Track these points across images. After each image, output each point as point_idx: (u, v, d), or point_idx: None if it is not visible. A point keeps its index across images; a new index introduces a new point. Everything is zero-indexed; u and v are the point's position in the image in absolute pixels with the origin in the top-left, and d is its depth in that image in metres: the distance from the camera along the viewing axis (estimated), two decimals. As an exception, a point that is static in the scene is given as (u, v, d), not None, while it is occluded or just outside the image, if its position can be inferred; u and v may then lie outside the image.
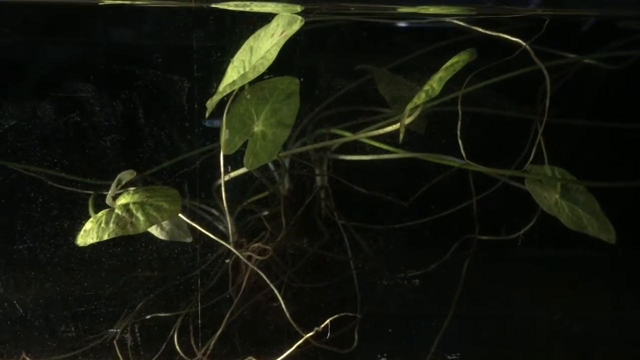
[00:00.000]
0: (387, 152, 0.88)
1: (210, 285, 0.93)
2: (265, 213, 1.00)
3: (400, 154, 0.88)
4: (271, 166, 0.99)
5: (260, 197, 0.99)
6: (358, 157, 0.93)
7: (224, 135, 0.77)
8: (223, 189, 0.82)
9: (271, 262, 0.95)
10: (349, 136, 0.91)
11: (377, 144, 0.88)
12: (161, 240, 0.89)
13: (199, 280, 0.93)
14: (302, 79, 0.81)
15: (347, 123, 0.95)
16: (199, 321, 0.90)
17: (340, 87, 1.00)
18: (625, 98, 1.02)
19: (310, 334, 0.81)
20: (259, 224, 0.99)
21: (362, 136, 0.89)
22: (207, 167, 0.91)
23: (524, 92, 0.93)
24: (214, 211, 0.98)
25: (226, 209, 0.84)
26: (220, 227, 0.99)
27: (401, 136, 0.82)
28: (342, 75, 1.01)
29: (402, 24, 0.95)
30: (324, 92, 0.99)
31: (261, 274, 0.85)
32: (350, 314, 0.86)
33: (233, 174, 0.92)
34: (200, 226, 0.88)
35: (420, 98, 0.77)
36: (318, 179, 1.02)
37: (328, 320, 0.80)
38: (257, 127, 0.78)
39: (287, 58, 0.78)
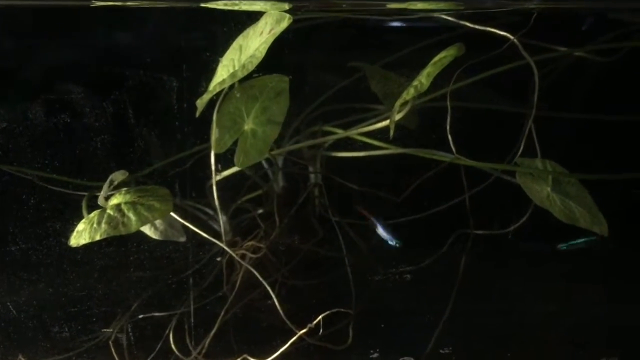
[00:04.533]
0: (379, 148, 0.89)
1: (205, 284, 0.93)
2: (260, 211, 1.01)
3: (392, 150, 0.88)
4: (265, 164, 0.99)
5: (253, 195, 0.99)
6: (350, 154, 0.93)
7: (214, 134, 0.77)
8: (214, 187, 0.83)
9: (265, 261, 0.95)
10: (340, 133, 0.91)
11: (368, 140, 0.88)
12: (155, 240, 0.90)
13: (192, 280, 0.93)
14: (292, 77, 0.81)
15: (340, 120, 0.95)
16: (194, 320, 0.91)
17: (333, 84, 1.00)
18: (617, 90, 1.02)
19: (304, 330, 0.81)
20: (253, 222, 1.00)
21: (354, 133, 0.89)
22: (200, 165, 0.91)
23: (516, 87, 0.93)
24: (208, 210, 0.98)
25: (218, 207, 0.84)
26: (215, 227, 1.00)
27: (392, 132, 0.82)
28: (335, 73, 1.02)
29: (392, 22, 0.96)
30: (317, 89, 0.99)
31: (254, 272, 0.85)
32: (344, 310, 0.86)
33: (225, 173, 0.92)
34: (195, 225, 0.88)
35: (409, 93, 0.77)
36: (312, 176, 1.03)
37: (320, 317, 0.80)
38: (248, 126, 0.79)
39: (277, 56, 0.78)
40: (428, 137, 0.94)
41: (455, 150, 0.82)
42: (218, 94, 0.77)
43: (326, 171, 1.00)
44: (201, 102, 0.77)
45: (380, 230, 0.95)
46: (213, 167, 0.81)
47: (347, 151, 0.94)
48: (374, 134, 0.88)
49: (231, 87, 0.79)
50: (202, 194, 0.93)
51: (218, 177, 0.92)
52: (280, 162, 1.01)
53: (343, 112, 0.98)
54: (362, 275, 0.97)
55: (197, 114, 0.77)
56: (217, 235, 0.97)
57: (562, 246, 0.95)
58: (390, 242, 0.94)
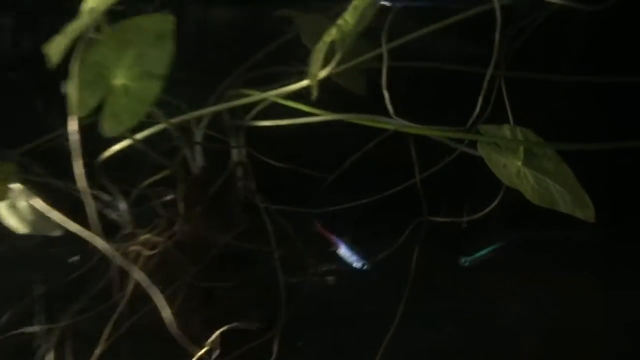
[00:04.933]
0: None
1: (93, 291, 0.75)
2: (169, 197, 0.82)
3: (324, 116, 0.70)
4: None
5: (159, 177, 0.81)
6: (274, 123, 0.75)
7: (73, 91, 0.58)
8: (78, 165, 0.63)
9: (170, 258, 0.76)
10: (258, 96, 0.72)
11: (291, 104, 0.69)
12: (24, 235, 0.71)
13: (78, 285, 0.75)
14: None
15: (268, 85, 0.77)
16: (77, 336, 0.71)
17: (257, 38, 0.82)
18: (605, 45, 0.85)
19: (201, 352, 0.62)
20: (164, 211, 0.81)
21: (273, 94, 0.70)
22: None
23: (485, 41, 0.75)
24: (103, 196, 0.79)
25: (87, 190, 0.65)
26: (113, 216, 0.81)
27: (314, 91, 0.63)
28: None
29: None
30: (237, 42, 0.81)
31: (142, 276, 0.66)
32: (259, 325, 0.68)
33: (115, 148, 0.73)
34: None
35: (331, 34, 0.58)
36: (234, 152, 0.84)
37: (217, 333, 0.62)
38: (117, 80, 0.59)
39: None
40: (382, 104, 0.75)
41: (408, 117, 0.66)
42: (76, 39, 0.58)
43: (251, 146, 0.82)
44: (55, 49, 0.57)
45: (344, 251, 0.77)
46: (72, 138, 0.61)
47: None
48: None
49: (96, 30, 0.59)
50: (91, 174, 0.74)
51: (106, 154, 0.74)
52: (199, 136, 0.83)
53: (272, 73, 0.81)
54: (295, 274, 0.79)
55: (52, 64, 0.57)
56: (113, 227, 0.79)
57: (464, 261, 0.78)
58: (355, 265, 0.76)
